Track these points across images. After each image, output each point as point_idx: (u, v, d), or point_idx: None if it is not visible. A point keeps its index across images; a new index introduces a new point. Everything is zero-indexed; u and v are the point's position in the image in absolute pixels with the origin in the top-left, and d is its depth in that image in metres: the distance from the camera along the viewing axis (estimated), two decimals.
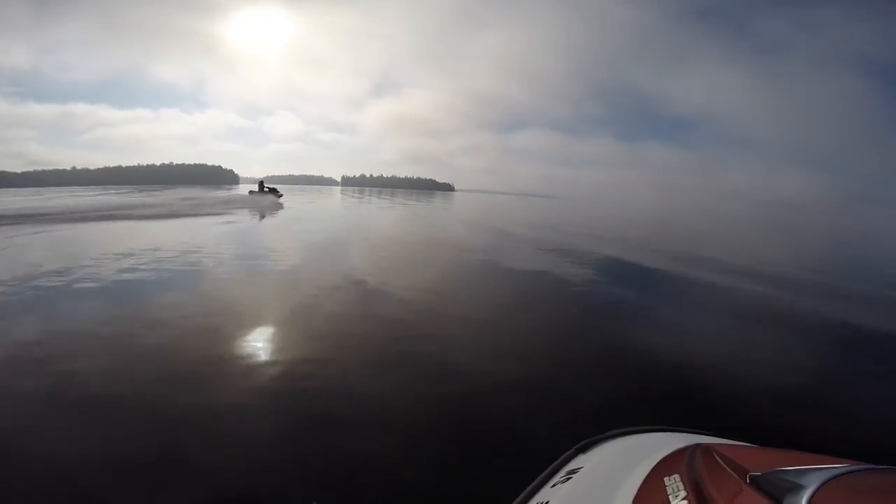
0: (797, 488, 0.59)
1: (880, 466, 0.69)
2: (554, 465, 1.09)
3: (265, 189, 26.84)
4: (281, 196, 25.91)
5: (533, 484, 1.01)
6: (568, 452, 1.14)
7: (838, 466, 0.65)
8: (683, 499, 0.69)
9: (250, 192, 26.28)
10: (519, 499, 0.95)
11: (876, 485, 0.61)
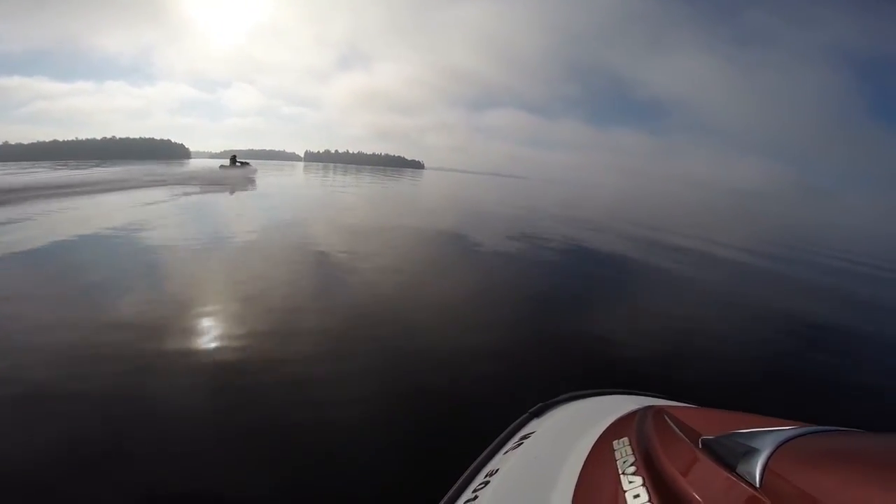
0: (752, 452, 0.57)
1: (830, 427, 0.68)
2: (508, 430, 1.06)
3: (237, 163, 25.73)
4: (255, 171, 24.90)
5: (487, 450, 0.98)
6: (522, 417, 1.10)
7: (789, 429, 0.63)
8: (632, 464, 0.67)
9: (221, 166, 25.04)
10: (473, 465, 0.92)
11: (830, 446, 0.60)
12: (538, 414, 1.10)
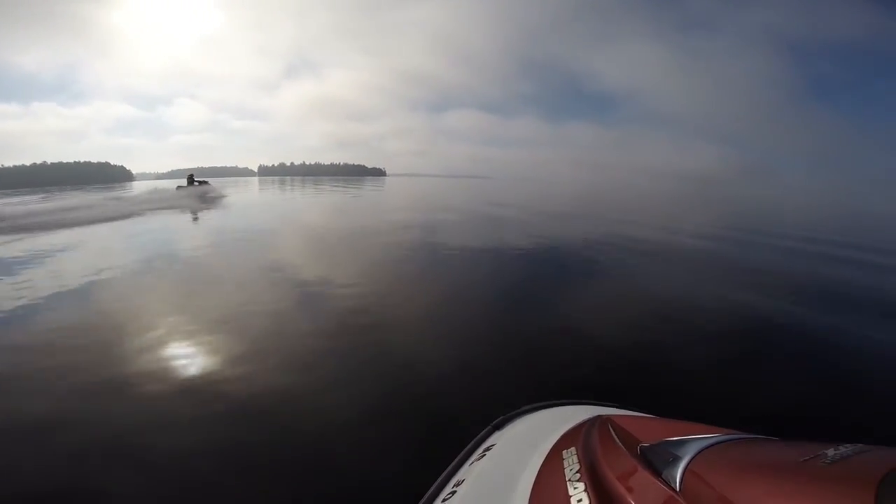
0: (675, 459, 0.62)
1: (748, 435, 0.73)
2: (473, 441, 1.12)
3: (195, 182, 24.18)
4: (216, 190, 23.43)
5: (455, 461, 1.03)
6: (485, 430, 1.15)
7: (713, 436, 0.68)
8: (577, 472, 0.72)
9: (178, 187, 23.36)
10: (443, 475, 0.97)
11: (744, 452, 0.65)
12: (499, 426, 1.15)
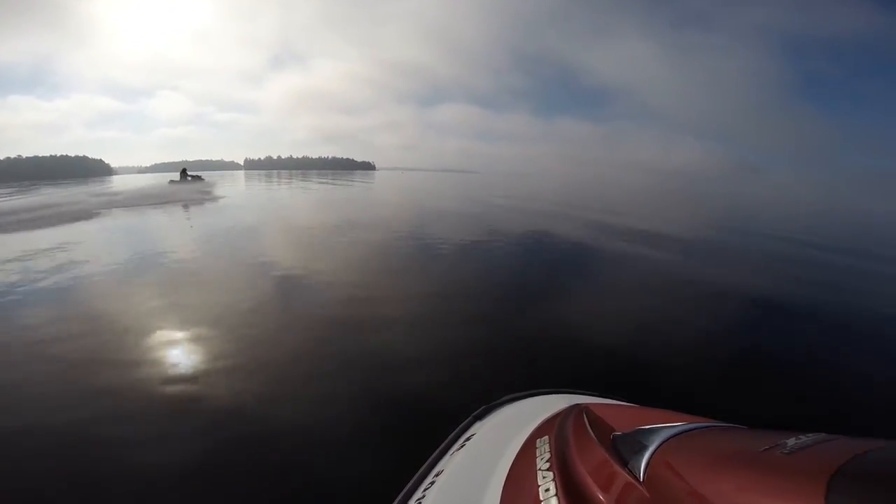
0: (642, 448, 0.62)
1: (721, 424, 0.74)
2: (455, 432, 1.12)
3: (188, 177, 23.53)
4: (212, 185, 22.73)
5: (437, 451, 1.03)
6: (466, 420, 1.17)
7: (680, 425, 0.69)
8: (548, 460, 0.73)
9: (171, 181, 22.69)
10: (425, 465, 0.97)
11: (708, 441, 0.65)
12: (480, 417, 1.17)
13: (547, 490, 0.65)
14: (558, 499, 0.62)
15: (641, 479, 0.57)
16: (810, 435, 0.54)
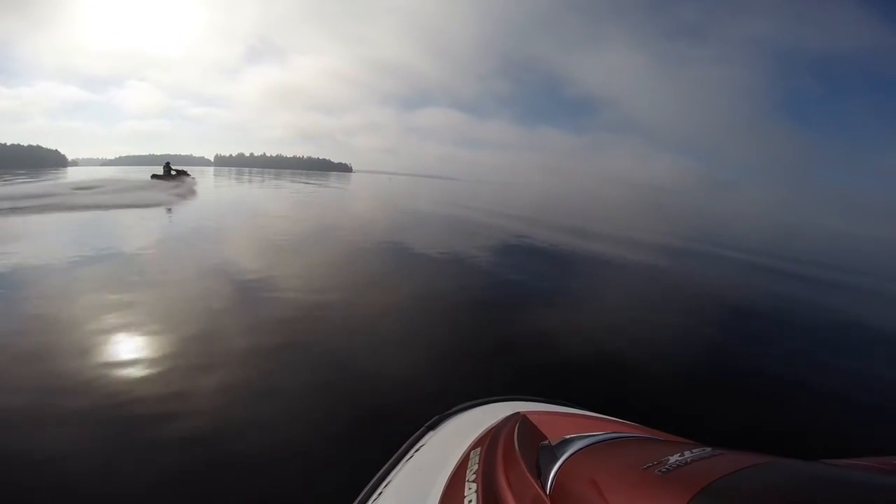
0: (553, 459, 0.63)
1: (632, 435, 0.75)
2: (407, 443, 1.11)
3: (172, 172, 22.31)
4: (195, 182, 21.33)
5: (389, 462, 1.02)
6: (419, 431, 1.15)
7: (593, 435, 0.70)
8: (475, 472, 0.73)
9: (153, 176, 21.48)
10: (376, 477, 0.96)
11: (610, 453, 0.66)
12: (433, 427, 1.15)
13: (469, 501, 0.66)
14: None
15: (548, 492, 0.58)
16: (696, 450, 0.56)
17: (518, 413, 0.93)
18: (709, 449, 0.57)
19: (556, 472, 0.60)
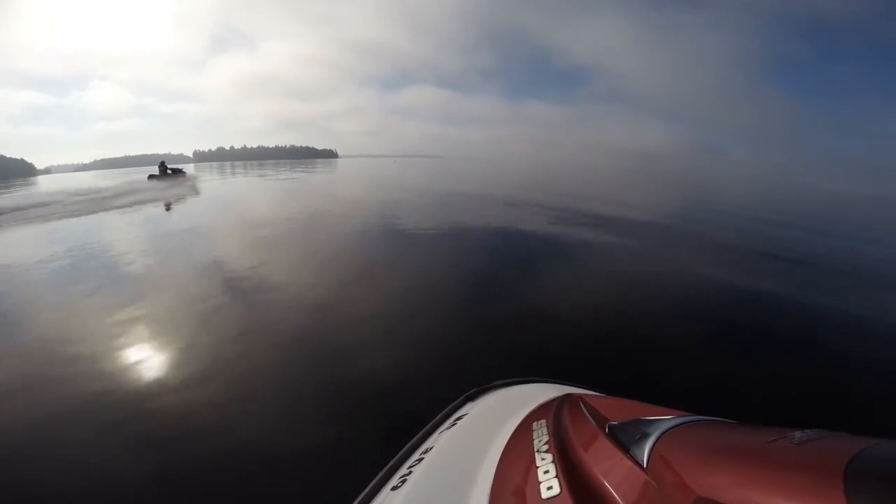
0: (643, 437, 0.64)
1: (708, 418, 0.76)
2: (444, 412, 1.12)
3: (168, 171, 21.87)
4: (196, 178, 21.28)
5: (423, 430, 1.03)
6: (458, 400, 1.17)
7: (676, 417, 0.70)
8: (546, 442, 0.75)
9: (150, 176, 21.05)
10: (409, 445, 0.97)
11: (709, 433, 0.67)
12: (472, 398, 1.18)
13: (546, 472, 0.66)
14: (559, 480, 0.63)
15: (645, 466, 0.58)
16: (812, 430, 0.55)
17: (571, 394, 0.94)
18: (823, 430, 0.55)
19: (652, 447, 0.61)
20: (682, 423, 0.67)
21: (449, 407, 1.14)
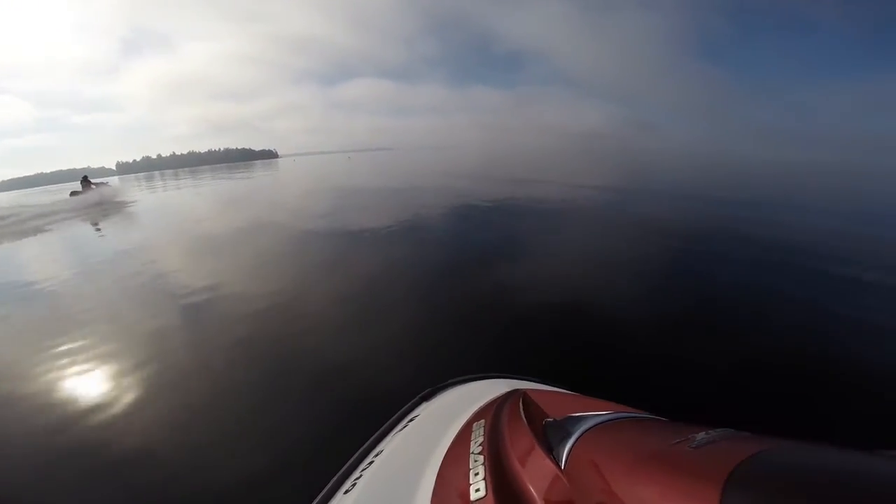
0: (566, 436, 0.63)
1: (637, 414, 0.75)
2: (399, 413, 1.11)
3: (92, 185, 19.41)
4: (117, 192, 19.46)
5: (378, 432, 1.02)
6: (413, 401, 1.16)
7: (604, 414, 0.69)
8: (480, 444, 0.73)
9: (72, 192, 18.60)
10: (364, 447, 0.96)
11: (628, 431, 0.66)
12: (427, 398, 1.16)
13: (476, 474, 0.66)
14: (486, 482, 0.63)
15: (563, 467, 0.58)
16: (719, 430, 0.55)
17: (517, 389, 0.93)
18: (731, 430, 0.56)
19: (571, 447, 0.60)
20: (604, 422, 0.67)
21: (404, 407, 1.13)
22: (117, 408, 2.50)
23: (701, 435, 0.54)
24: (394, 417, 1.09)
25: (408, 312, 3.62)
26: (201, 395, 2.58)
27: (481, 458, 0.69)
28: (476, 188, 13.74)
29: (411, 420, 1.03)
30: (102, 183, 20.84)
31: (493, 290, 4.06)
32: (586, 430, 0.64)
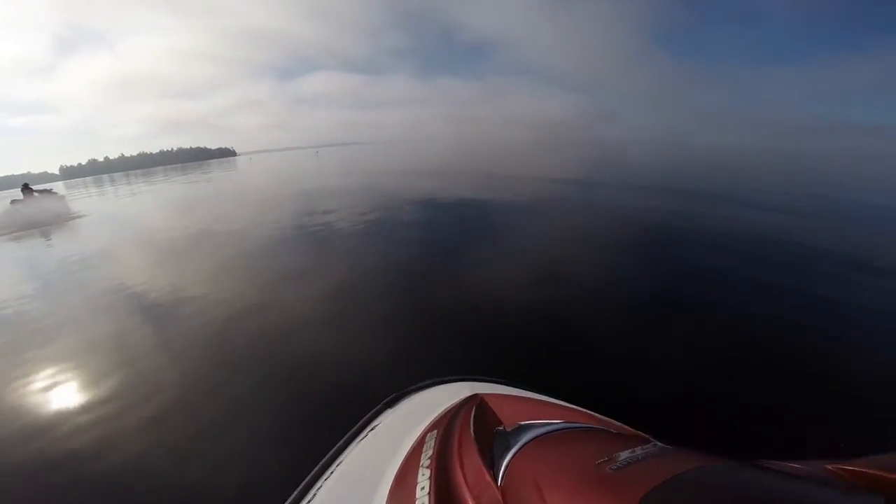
0: (507, 448, 0.63)
1: (578, 425, 0.74)
2: (362, 420, 1.08)
3: (34, 193, 17.25)
4: (63, 198, 17.58)
5: (343, 440, 0.99)
6: (376, 408, 1.12)
7: (549, 424, 0.69)
8: (430, 456, 0.71)
9: (13, 201, 16.39)
10: (328, 456, 0.93)
11: (566, 445, 0.66)
12: (391, 404, 1.12)
13: (423, 488, 0.63)
14: (429, 497, 0.60)
15: (500, 482, 0.56)
16: (647, 446, 0.56)
17: (476, 395, 0.91)
18: (659, 445, 0.58)
19: (509, 463, 0.60)
20: (541, 435, 0.66)
21: (368, 414, 1.09)
22: None
23: (626, 454, 0.54)
24: (358, 425, 1.05)
25: (373, 320, 3.37)
26: None
27: (429, 471, 0.67)
28: (445, 186, 13.69)
29: (373, 428, 1.00)
30: (46, 190, 18.88)
31: (458, 293, 3.87)
32: (525, 444, 0.63)
